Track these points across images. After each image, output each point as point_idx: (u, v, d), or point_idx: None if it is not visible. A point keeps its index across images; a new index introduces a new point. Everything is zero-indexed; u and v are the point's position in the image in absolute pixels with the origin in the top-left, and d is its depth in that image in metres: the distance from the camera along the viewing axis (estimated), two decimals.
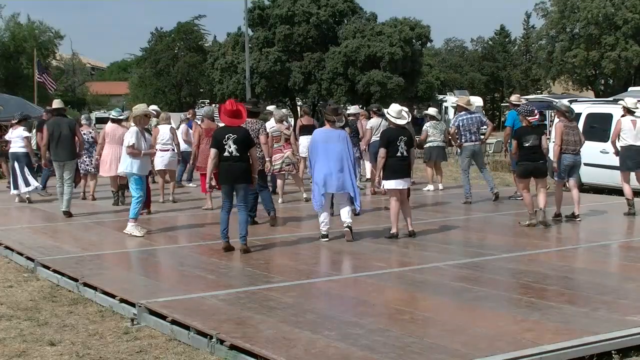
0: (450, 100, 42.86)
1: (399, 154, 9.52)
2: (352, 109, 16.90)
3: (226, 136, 8.79)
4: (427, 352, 5.12)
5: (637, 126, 11.63)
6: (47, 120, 13.94)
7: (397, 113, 9.68)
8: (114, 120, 13.57)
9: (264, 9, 44.18)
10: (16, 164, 14.18)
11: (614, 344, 5.34)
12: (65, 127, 12.18)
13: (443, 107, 39.65)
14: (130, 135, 10.31)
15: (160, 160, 13.51)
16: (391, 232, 9.68)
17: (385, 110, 10.31)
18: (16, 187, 14.27)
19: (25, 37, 48.30)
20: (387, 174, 9.56)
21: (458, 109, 14.02)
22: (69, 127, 12.20)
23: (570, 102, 15.21)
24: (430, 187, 15.64)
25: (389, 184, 9.59)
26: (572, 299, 6.63)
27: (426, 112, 17.28)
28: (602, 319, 5.90)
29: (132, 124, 10.85)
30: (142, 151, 10.37)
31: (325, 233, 9.57)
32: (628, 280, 7.43)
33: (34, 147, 15.56)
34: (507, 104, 14.93)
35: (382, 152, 9.59)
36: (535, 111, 10.65)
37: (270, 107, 14.77)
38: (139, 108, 10.74)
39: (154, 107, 16.55)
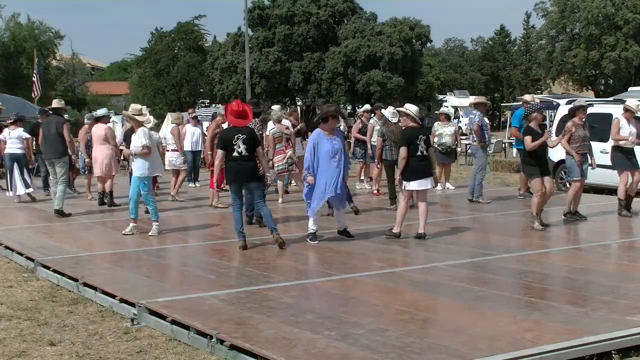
0: (453, 101, 42.90)
1: (419, 153, 9.43)
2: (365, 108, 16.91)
3: (235, 137, 8.94)
4: (427, 352, 5.12)
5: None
6: (41, 121, 13.97)
7: (392, 114, 9.61)
8: (98, 119, 13.65)
9: (264, 9, 44.24)
10: (15, 165, 14.18)
11: (614, 344, 5.34)
12: (52, 126, 12.44)
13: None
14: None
15: (173, 160, 13.97)
16: (393, 231, 9.65)
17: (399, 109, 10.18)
18: (12, 188, 14.26)
19: (25, 37, 48.30)
20: (408, 175, 9.40)
21: (476, 107, 14.07)
22: (56, 126, 12.41)
23: (570, 102, 15.21)
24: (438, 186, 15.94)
25: (411, 186, 9.44)
26: (572, 299, 6.63)
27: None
28: (602, 319, 5.89)
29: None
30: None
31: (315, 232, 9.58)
32: (628, 280, 7.43)
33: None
34: (520, 102, 14.97)
35: (402, 151, 9.44)
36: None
37: (275, 107, 14.79)
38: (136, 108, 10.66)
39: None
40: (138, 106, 10.67)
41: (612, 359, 5.24)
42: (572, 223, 11.01)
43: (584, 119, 11.26)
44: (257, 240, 9.56)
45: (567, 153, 11.17)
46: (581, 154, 11.07)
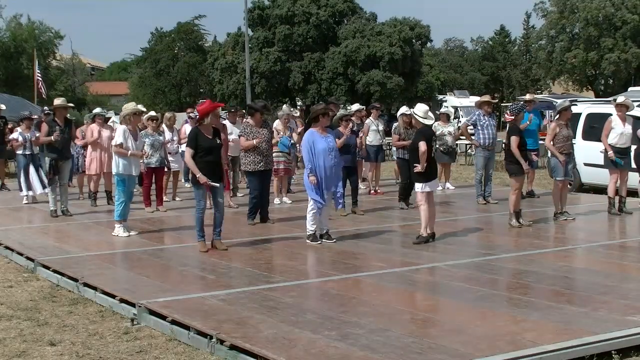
0: (453, 101, 42.78)
1: (432, 154, 9.31)
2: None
3: (209, 136, 8.88)
4: (427, 352, 5.12)
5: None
6: (45, 120, 13.92)
7: (424, 113, 9.34)
8: (93, 120, 13.70)
9: (264, 9, 44.21)
10: (31, 165, 14.20)
11: (614, 344, 5.35)
12: None
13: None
14: (118, 134, 10.26)
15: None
16: (423, 235, 9.42)
17: (411, 110, 10.06)
18: (29, 188, 14.19)
19: (26, 37, 48.22)
20: (424, 177, 9.19)
21: (480, 106, 13.99)
22: None
23: (571, 102, 15.21)
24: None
25: (425, 187, 9.31)
26: (572, 299, 6.64)
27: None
28: (602, 319, 5.90)
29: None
30: (130, 151, 10.18)
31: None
32: (628, 280, 7.43)
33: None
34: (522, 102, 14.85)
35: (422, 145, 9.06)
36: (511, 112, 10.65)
37: (285, 107, 14.57)
38: (129, 107, 10.59)
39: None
40: (131, 104, 10.72)
41: (612, 359, 5.25)
42: (572, 223, 11.01)
43: (568, 119, 11.30)
44: (257, 240, 9.55)
45: (552, 154, 11.18)
46: (565, 154, 11.05)
